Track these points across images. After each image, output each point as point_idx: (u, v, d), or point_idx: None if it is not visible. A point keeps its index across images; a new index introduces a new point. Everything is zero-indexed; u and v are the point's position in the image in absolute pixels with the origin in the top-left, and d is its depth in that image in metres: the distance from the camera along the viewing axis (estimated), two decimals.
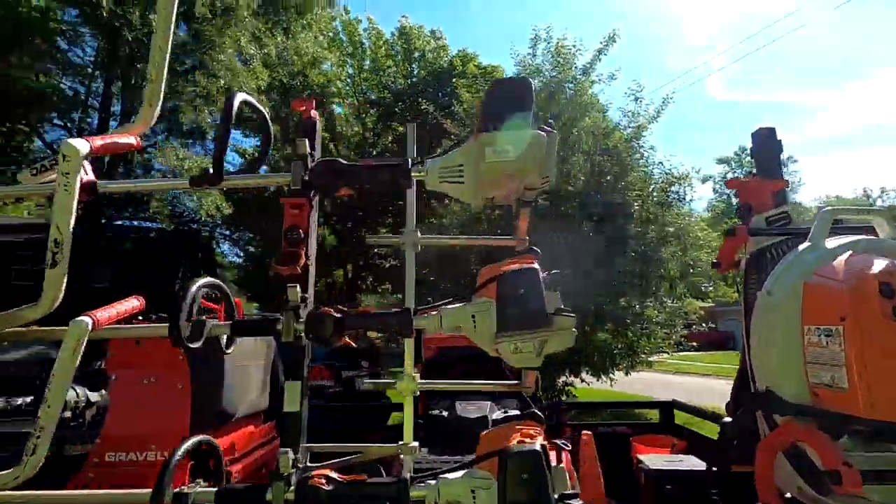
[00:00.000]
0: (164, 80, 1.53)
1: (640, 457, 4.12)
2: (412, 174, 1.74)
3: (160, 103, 1.56)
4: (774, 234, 1.85)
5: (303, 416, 1.72)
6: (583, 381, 11.19)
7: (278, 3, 18.60)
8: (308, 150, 1.79)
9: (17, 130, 18.36)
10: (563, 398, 11.32)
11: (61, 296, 1.42)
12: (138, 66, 14.35)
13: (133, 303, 1.54)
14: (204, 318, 1.68)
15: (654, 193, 10.59)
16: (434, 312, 1.66)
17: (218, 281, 1.74)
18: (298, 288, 1.67)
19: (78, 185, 1.37)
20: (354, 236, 21.25)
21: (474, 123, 1.67)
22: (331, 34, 25.00)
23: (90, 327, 1.36)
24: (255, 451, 3.71)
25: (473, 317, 1.59)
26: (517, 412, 3.29)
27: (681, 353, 16.78)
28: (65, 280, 1.41)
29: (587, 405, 8.22)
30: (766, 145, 2.13)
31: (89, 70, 17.64)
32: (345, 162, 1.79)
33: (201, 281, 1.64)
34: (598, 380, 11.07)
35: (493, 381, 1.84)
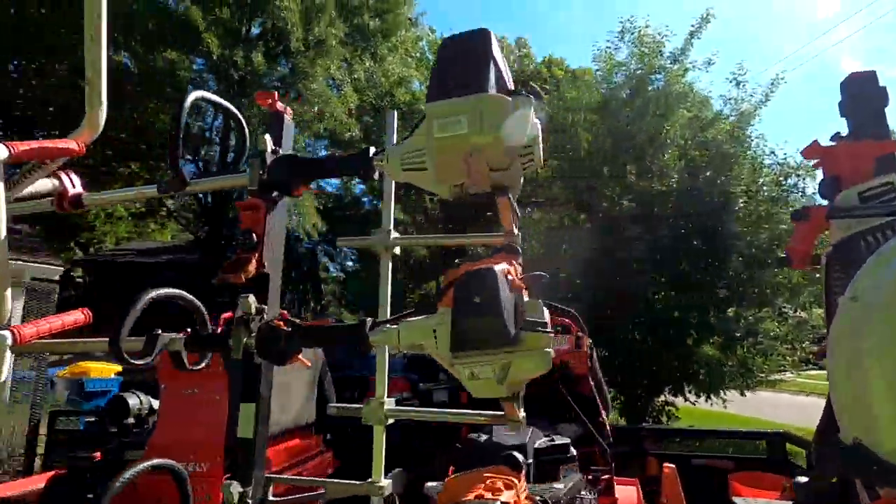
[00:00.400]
0: (103, 79, 1.46)
1: (739, 500, 3.41)
2: (375, 164, 1.50)
3: (104, 105, 1.49)
4: (866, 216, 1.30)
5: (257, 443, 1.53)
6: (687, 400, 9.95)
7: (365, 30, 19.59)
8: (270, 146, 1.62)
9: (157, 167, 21.39)
10: (665, 420, 10.19)
11: (7, 305, 1.38)
12: (243, 100, 15.90)
13: (77, 316, 1.48)
14: (159, 331, 1.57)
15: (765, 187, 9.20)
16: (394, 325, 1.38)
17: (180, 291, 1.62)
18: (251, 298, 1.49)
19: (1, 191, 1.32)
20: (444, 248, 21.45)
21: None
22: (417, 54, 25.96)
23: (9, 341, 1.30)
24: (301, 464, 3.67)
25: (435, 331, 1.28)
26: (566, 440, 2.84)
27: (813, 372, 14.38)
28: (5, 290, 1.37)
29: (676, 432, 7.14)
30: (864, 96, 1.55)
31: (210, 110, 20.01)
32: (302, 156, 1.60)
33: (155, 292, 1.53)
34: (706, 400, 9.78)
35: (476, 412, 1.51)
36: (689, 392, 9.59)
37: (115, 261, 25.64)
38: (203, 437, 3.05)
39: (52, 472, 3.66)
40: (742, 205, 8.81)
